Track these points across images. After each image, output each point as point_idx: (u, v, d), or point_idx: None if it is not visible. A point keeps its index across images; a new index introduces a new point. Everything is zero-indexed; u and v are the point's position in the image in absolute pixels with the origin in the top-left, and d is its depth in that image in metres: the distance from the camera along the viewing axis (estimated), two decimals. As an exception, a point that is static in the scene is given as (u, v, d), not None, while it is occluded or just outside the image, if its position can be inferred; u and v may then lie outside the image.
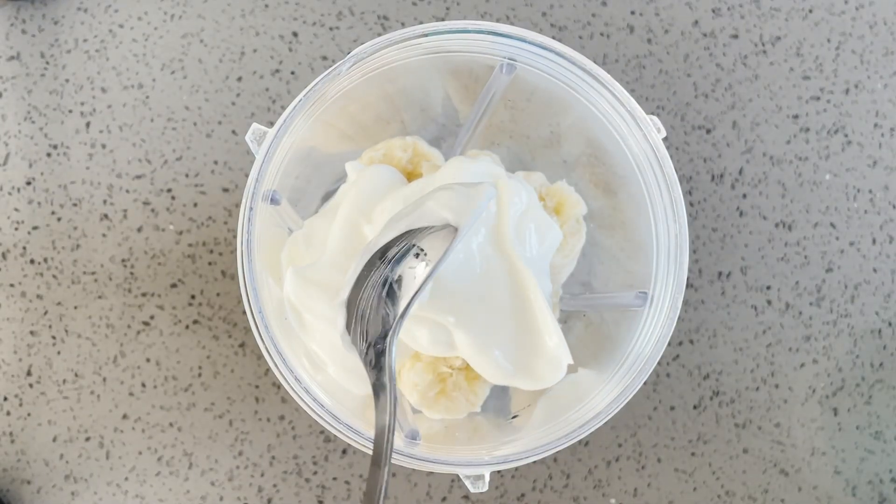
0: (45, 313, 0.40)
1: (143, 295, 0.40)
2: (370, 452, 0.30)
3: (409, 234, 0.28)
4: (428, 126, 0.37)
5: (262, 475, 0.39)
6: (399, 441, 0.31)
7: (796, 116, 0.42)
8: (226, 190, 0.40)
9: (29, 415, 0.39)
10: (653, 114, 0.32)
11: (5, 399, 0.39)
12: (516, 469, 0.40)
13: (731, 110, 0.41)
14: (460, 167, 0.34)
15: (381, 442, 0.27)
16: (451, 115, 0.37)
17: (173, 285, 0.40)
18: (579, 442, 0.30)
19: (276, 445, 0.40)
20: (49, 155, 0.40)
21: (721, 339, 0.41)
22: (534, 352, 0.32)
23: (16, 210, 0.40)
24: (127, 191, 0.40)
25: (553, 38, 0.32)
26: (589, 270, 0.37)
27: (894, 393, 0.41)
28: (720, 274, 0.41)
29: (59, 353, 0.39)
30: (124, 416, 0.39)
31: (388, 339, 0.28)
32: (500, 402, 0.36)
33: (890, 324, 0.42)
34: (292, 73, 0.41)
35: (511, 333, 0.32)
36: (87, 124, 0.40)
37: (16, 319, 0.40)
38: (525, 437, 0.32)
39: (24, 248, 0.40)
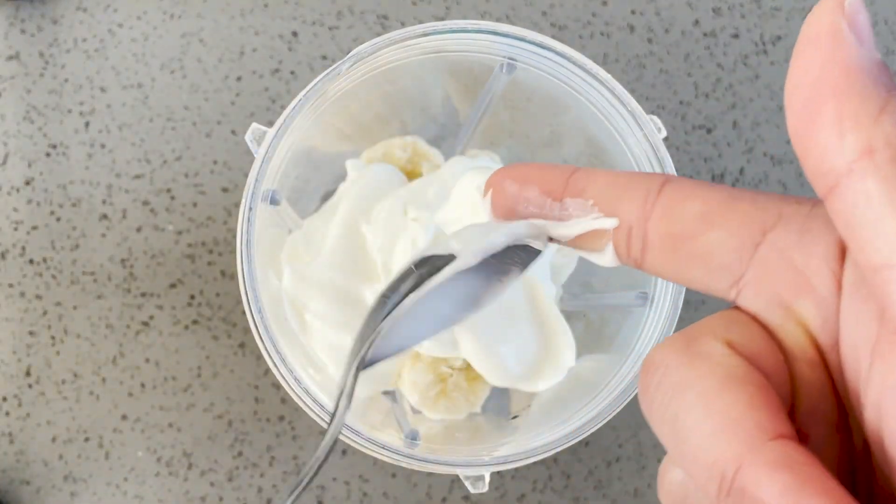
0: (45, 313, 0.39)
1: (143, 295, 0.40)
2: (370, 453, 0.30)
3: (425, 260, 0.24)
4: (428, 126, 0.37)
5: (262, 476, 0.39)
6: (399, 441, 0.31)
7: (797, 116, 0.42)
8: (225, 190, 0.40)
9: (28, 415, 0.39)
10: (653, 113, 0.32)
11: (4, 399, 0.39)
12: (516, 469, 0.40)
13: (731, 110, 0.41)
14: (460, 166, 0.34)
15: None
16: (451, 114, 0.37)
17: (173, 285, 0.40)
18: (580, 442, 0.30)
19: (275, 446, 0.39)
20: (48, 155, 0.40)
21: (722, 339, 0.41)
22: (540, 354, 0.32)
23: (15, 210, 0.40)
24: (126, 191, 0.40)
25: (553, 37, 0.32)
26: (589, 270, 0.37)
27: (895, 393, 0.41)
28: (721, 274, 0.41)
29: (58, 353, 0.39)
30: (123, 417, 0.39)
31: (350, 365, 0.24)
32: (500, 402, 0.36)
33: (891, 324, 0.41)
34: (292, 72, 0.41)
35: (517, 335, 0.32)
36: (87, 124, 0.40)
37: (14, 320, 0.39)
38: (524, 438, 0.32)
39: (24, 248, 0.40)
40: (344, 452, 0.40)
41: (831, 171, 0.14)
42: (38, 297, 0.40)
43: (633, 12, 0.41)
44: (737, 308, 0.16)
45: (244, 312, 0.37)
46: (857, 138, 0.13)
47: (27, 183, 0.40)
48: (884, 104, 0.13)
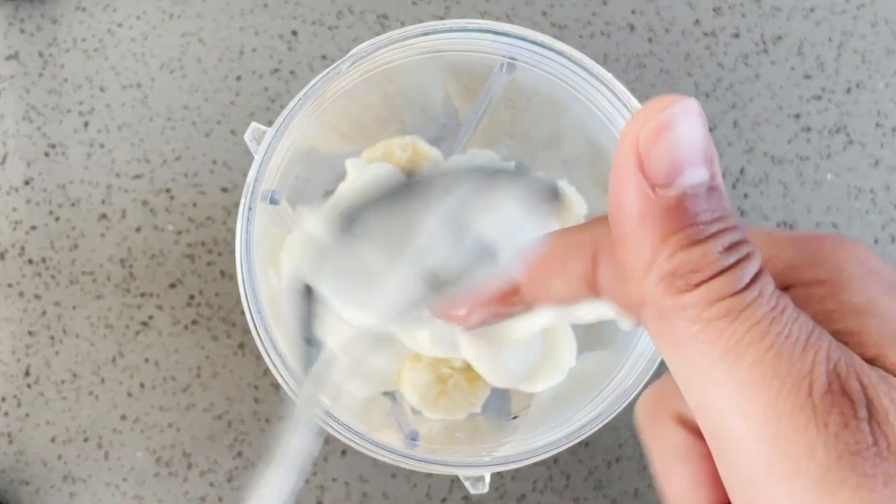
0: (44, 313, 0.39)
1: (142, 295, 0.40)
2: (370, 454, 0.30)
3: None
4: (428, 125, 0.37)
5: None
6: (398, 442, 0.31)
7: (798, 116, 0.42)
8: (225, 190, 0.40)
9: (27, 415, 0.39)
10: (654, 113, 0.32)
11: (3, 399, 0.39)
12: (516, 470, 0.40)
13: (731, 110, 0.41)
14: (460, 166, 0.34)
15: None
16: (451, 114, 0.37)
17: (172, 285, 0.40)
18: (580, 443, 0.30)
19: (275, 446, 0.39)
20: (47, 154, 0.40)
21: (722, 339, 0.41)
22: (540, 354, 0.32)
23: (14, 210, 0.40)
24: (125, 190, 0.40)
25: (553, 37, 0.32)
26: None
27: None
28: (721, 274, 0.41)
29: (57, 353, 0.39)
30: (123, 417, 0.39)
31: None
32: (500, 402, 0.36)
33: (891, 324, 0.41)
34: (291, 72, 0.41)
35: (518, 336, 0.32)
36: (86, 124, 0.40)
37: (14, 319, 0.39)
38: (524, 438, 0.32)
39: (23, 247, 0.40)
40: (344, 453, 0.40)
41: (628, 303, 0.16)
42: (38, 296, 0.39)
43: (633, 12, 0.41)
44: None
45: (244, 312, 0.37)
46: (634, 290, 0.15)
47: (26, 183, 0.40)
48: (652, 258, 0.14)
